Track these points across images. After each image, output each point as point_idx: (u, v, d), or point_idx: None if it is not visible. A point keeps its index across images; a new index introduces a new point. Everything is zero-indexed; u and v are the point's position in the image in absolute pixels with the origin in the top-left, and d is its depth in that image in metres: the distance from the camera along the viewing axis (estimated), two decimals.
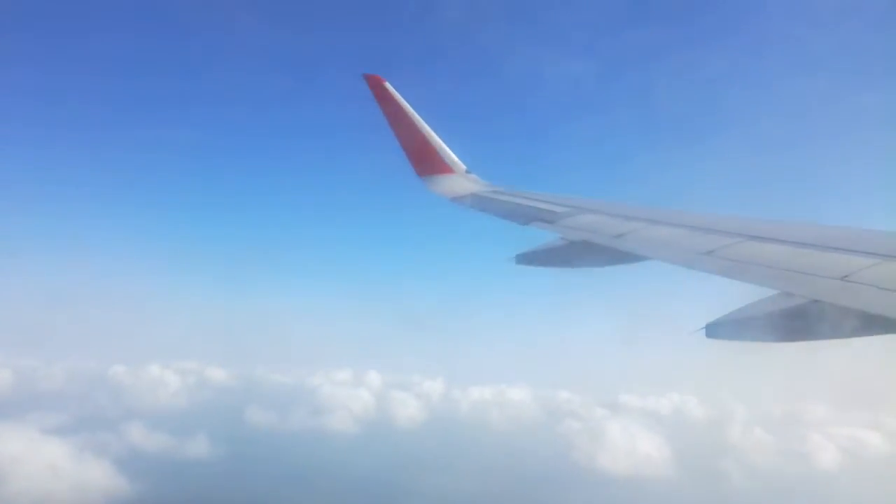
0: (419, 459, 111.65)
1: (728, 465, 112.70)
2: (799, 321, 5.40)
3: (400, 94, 12.80)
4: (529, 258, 9.41)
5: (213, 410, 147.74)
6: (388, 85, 12.71)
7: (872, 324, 4.97)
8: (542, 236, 9.44)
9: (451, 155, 12.92)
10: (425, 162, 12.93)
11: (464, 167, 12.84)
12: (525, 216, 10.11)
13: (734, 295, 6.29)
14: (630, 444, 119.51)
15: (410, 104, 12.83)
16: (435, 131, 13.02)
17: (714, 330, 6.02)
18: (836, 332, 5.21)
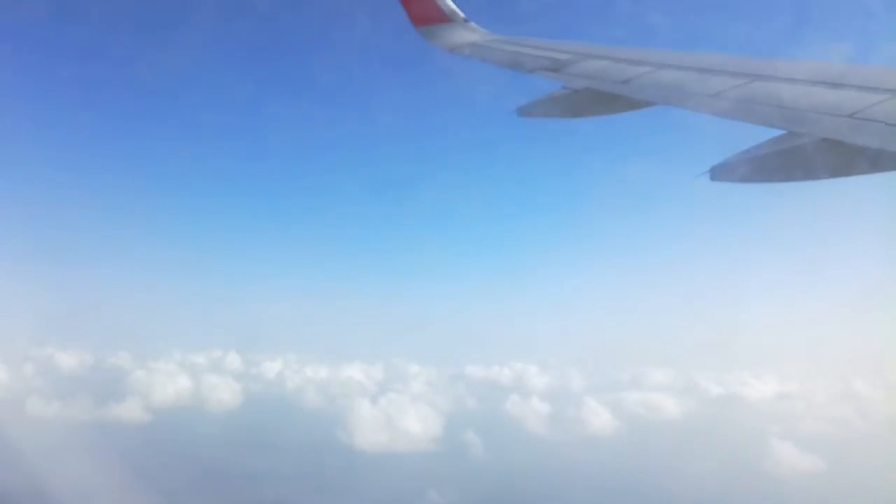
0: (204, 444, 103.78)
1: (487, 438, 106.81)
2: (807, 160, 5.45)
3: None
4: (532, 109, 9.31)
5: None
6: None
7: (881, 160, 5.02)
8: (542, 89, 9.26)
9: (448, 3, 12.44)
10: (421, 11, 12.48)
11: (462, 16, 12.39)
12: (528, 65, 9.89)
13: (741, 137, 6.30)
14: (424, 419, 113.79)
15: None
16: None
17: (719, 172, 6.08)
18: (845, 169, 5.28)
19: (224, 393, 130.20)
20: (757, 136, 6.14)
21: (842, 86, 6.38)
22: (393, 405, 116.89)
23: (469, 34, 12.08)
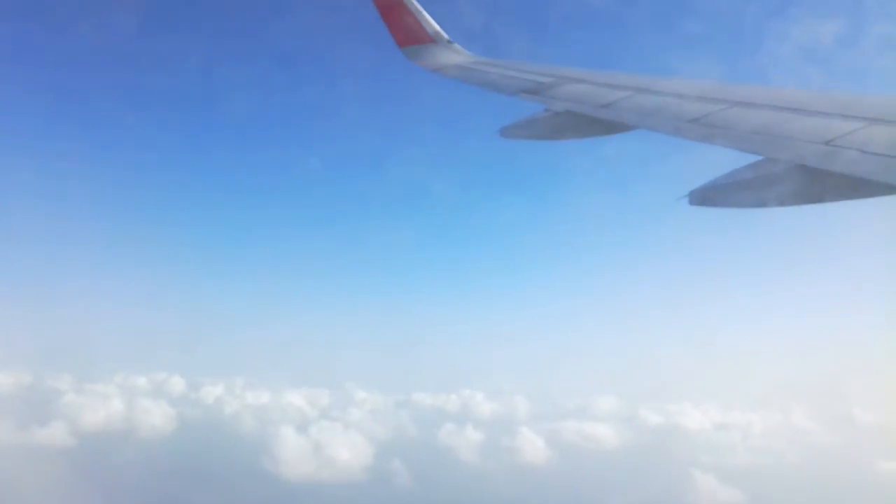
0: (126, 471, 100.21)
1: (417, 467, 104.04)
2: (784, 186, 5.47)
3: None
4: (513, 131, 9.33)
5: None
6: None
7: (856, 187, 5.05)
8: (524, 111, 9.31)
9: (433, 25, 12.51)
10: (406, 32, 12.53)
11: (446, 37, 12.46)
12: (510, 87, 9.93)
13: (720, 162, 6.33)
14: (356, 448, 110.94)
15: None
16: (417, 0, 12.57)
17: (697, 197, 6.10)
18: (821, 196, 5.30)
19: (157, 418, 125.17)
20: (735, 161, 6.17)
21: (819, 113, 6.44)
22: (326, 433, 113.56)
23: (453, 56, 12.13)
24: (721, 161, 6.29)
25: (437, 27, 12.51)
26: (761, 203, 5.64)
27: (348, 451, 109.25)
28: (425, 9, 12.58)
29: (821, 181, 5.32)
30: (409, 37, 12.49)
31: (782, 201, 5.51)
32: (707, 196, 6.02)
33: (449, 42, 12.41)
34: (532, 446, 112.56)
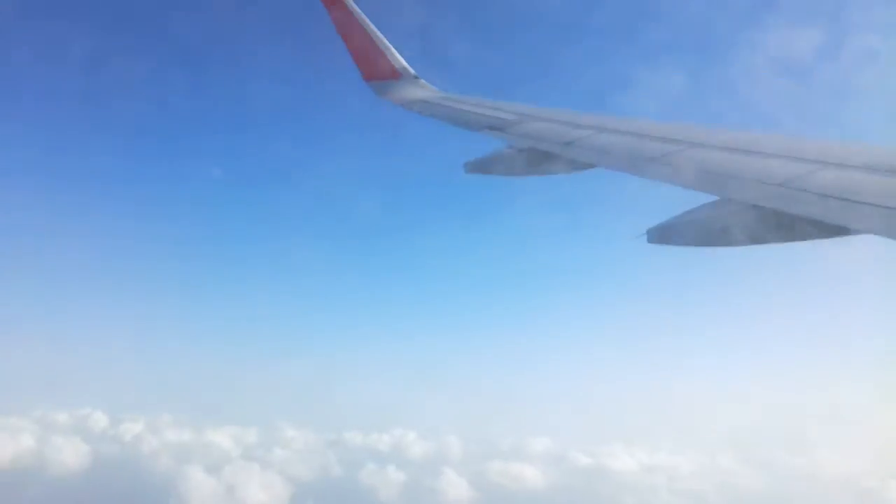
0: None
1: None
2: (739, 226, 5.56)
3: None
4: (478, 166, 9.42)
5: None
6: None
7: (809, 229, 5.16)
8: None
9: (399, 59, 12.61)
10: (372, 66, 12.61)
11: (413, 72, 12.57)
12: (474, 123, 10.03)
13: (678, 201, 6.43)
14: (272, 489, 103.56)
15: (358, 5, 12.42)
16: (384, 35, 12.67)
17: (655, 235, 6.19)
18: (774, 236, 5.40)
19: (69, 455, 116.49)
20: (692, 201, 6.27)
21: (773, 155, 6.59)
22: (242, 474, 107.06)
23: (419, 91, 12.23)
24: (679, 200, 6.39)
25: (404, 62, 12.61)
26: (715, 242, 5.74)
27: (263, 492, 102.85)
28: (392, 44, 12.70)
29: (774, 222, 5.41)
30: (376, 71, 12.57)
31: (735, 241, 5.60)
32: (664, 234, 6.11)
33: (415, 77, 12.52)
34: (455, 487, 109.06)
